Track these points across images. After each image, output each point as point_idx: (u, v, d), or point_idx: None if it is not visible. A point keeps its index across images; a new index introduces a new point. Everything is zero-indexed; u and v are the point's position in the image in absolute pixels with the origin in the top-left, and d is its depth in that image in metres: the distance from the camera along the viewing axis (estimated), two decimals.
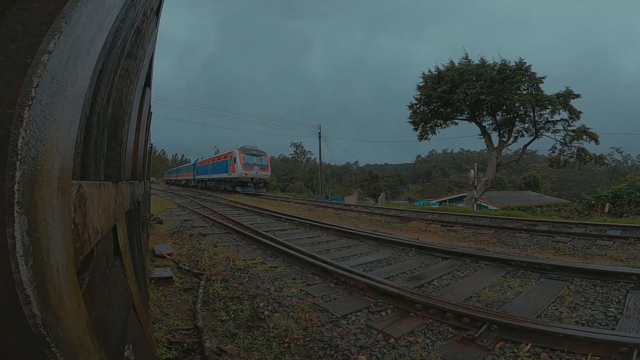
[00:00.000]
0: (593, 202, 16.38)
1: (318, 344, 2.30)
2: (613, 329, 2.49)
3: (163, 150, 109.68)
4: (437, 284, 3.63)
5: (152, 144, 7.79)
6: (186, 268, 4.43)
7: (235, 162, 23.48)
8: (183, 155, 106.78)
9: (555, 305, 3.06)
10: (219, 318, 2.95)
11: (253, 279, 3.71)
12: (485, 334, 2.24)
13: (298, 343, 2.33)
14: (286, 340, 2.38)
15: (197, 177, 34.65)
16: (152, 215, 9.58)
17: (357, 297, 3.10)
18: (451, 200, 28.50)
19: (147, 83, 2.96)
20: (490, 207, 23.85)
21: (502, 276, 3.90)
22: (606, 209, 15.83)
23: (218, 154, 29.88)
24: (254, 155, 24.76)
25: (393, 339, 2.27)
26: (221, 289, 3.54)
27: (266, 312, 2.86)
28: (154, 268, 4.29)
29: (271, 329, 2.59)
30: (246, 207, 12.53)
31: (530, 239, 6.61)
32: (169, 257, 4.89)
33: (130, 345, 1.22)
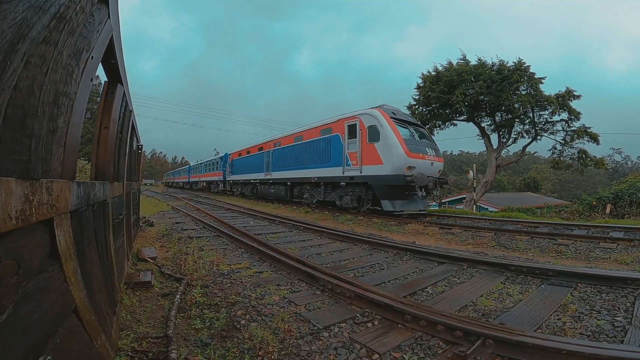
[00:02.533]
0: (594, 203, 16.14)
1: (294, 358, 2.08)
2: (622, 342, 2.27)
3: (161, 152, 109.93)
4: (431, 292, 3.40)
5: (141, 145, 7.58)
6: (168, 272, 4.21)
7: (383, 138, 9.61)
8: (183, 158, 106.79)
9: (557, 315, 2.83)
10: (194, 326, 2.73)
11: (235, 285, 3.48)
12: (479, 350, 2.01)
13: (272, 357, 2.11)
14: (260, 353, 2.16)
15: (232, 177, 21.53)
16: (144, 217, 9.38)
17: (343, 306, 2.87)
18: (451, 202, 28.23)
19: (116, 79, 2.77)
20: (490, 208, 23.60)
21: (501, 282, 3.67)
22: (607, 210, 15.58)
23: (302, 128, 13.99)
24: (411, 125, 10.70)
25: (377, 355, 2.04)
26: (200, 295, 3.32)
27: (243, 322, 2.63)
28: (134, 272, 4.08)
29: (246, 340, 2.36)
30: (241, 210, 12.31)
31: (530, 242, 6.37)
32: (151, 260, 4.67)
33: (49, 357, 1.07)
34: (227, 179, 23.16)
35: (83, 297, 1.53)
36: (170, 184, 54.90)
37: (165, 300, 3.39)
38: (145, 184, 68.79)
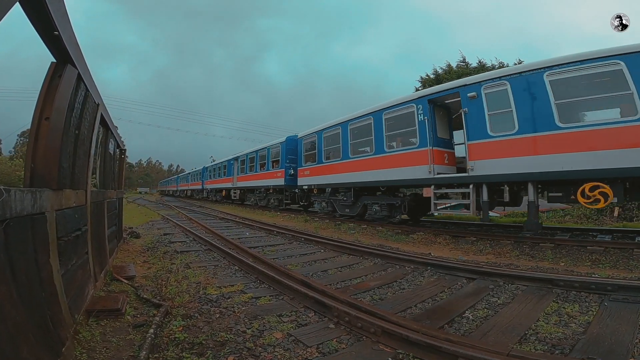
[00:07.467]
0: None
1: None
2: None
3: (158, 160, 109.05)
4: (471, 317, 2.71)
5: (124, 149, 6.89)
6: (146, 296, 3.47)
7: None
8: (178, 166, 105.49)
9: None
10: None
11: (225, 316, 2.76)
12: None
13: None
14: None
15: None
16: (130, 228, 8.63)
17: (367, 345, 2.17)
18: (452, 207, 27.61)
19: (64, 58, 2.12)
20: (492, 214, 23.00)
21: (554, 301, 3.01)
22: (615, 214, 15.01)
23: None
24: None
25: None
26: (180, 328, 2.60)
27: None
28: (104, 295, 3.35)
29: None
30: (236, 220, 11.56)
31: (557, 250, 5.73)
32: (126, 281, 3.92)
33: None
34: None
35: None
36: (174, 192, 43.55)
37: (137, 334, 2.66)
38: (140, 192, 67.29)
